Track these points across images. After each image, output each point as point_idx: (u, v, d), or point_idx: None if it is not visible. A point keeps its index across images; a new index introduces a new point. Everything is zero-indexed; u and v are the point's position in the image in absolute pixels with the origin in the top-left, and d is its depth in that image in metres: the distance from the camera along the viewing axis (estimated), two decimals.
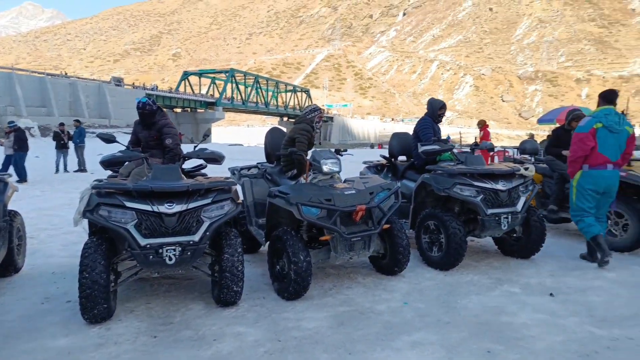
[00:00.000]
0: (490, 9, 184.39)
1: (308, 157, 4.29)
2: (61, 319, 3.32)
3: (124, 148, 4.60)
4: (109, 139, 4.01)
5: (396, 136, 6.01)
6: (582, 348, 2.84)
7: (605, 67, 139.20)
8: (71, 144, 15.22)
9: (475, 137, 12.97)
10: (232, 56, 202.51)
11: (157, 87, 63.58)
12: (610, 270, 4.38)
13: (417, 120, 5.66)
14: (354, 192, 3.84)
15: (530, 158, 7.10)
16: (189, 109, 62.25)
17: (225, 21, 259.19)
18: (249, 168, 5.35)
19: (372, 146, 59.46)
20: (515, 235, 4.77)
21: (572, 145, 4.56)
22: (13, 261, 4.23)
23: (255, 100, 72.93)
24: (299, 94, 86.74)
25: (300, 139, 4.65)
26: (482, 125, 12.79)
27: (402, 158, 5.97)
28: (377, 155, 6.57)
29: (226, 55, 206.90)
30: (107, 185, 3.35)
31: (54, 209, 7.90)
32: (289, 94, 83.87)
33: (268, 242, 4.05)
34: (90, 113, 43.38)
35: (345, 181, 4.22)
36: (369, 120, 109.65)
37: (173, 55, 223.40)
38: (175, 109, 59.40)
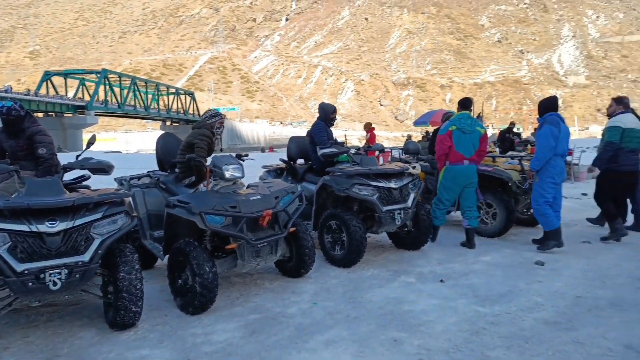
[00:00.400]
0: (366, 19, 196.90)
1: (208, 164, 4.14)
2: None
3: None
4: None
5: (294, 140, 6.09)
6: (472, 326, 3.19)
7: (463, 75, 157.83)
8: None
9: (364, 139, 13.66)
10: (104, 56, 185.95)
11: (11, 88, 55.58)
12: (485, 254, 4.99)
13: (303, 123, 5.83)
14: (259, 197, 3.80)
15: (412, 158, 7.75)
16: (53, 114, 55.70)
17: (94, 17, 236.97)
18: (139, 177, 4.96)
19: (262, 150, 59.37)
20: (406, 229, 5.17)
21: (436, 146, 5.34)
22: None
23: (133, 103, 67.93)
24: (182, 97, 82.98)
25: (199, 145, 4.46)
26: (369, 128, 13.53)
27: (300, 161, 6.07)
28: (273, 159, 6.60)
29: (96, 55, 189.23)
30: None
31: None
32: (171, 96, 79.75)
33: (167, 256, 3.82)
34: None
35: (248, 187, 4.16)
36: (258, 124, 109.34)
37: (30, 52, 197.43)
38: (37, 114, 52.63)
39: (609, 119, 5.70)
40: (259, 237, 3.70)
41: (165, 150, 4.89)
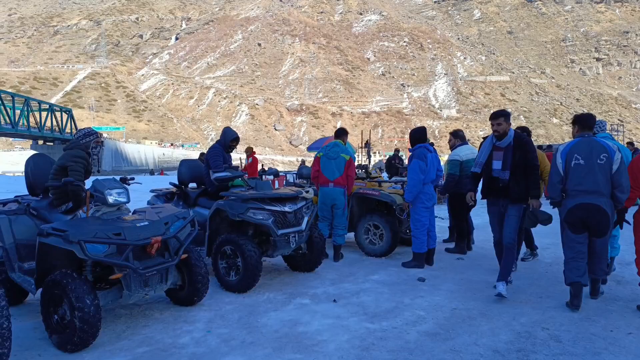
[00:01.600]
0: (259, 44, 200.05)
1: (87, 188, 3.84)
2: None
3: None
4: None
5: (185, 163, 5.92)
6: (362, 342, 3.38)
7: (352, 104, 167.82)
8: None
9: (243, 163, 13.28)
10: None
11: None
12: (374, 273, 5.33)
13: (195, 145, 5.74)
14: (146, 223, 3.62)
15: (306, 182, 8.00)
16: None
17: None
18: (4, 203, 4.40)
19: (152, 172, 55.89)
20: (301, 251, 5.30)
21: (354, 173, 6.10)
22: None
23: None
24: (57, 113, 75.02)
25: (74, 167, 4.13)
26: (250, 152, 13.37)
27: (192, 185, 5.91)
28: (164, 183, 6.32)
29: None
30: None
31: None
32: (44, 113, 71.56)
33: (40, 290, 3.42)
34: None
35: (134, 212, 3.94)
36: (147, 145, 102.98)
37: None
38: None
39: (450, 151, 6.65)
40: (147, 265, 3.51)
41: (36, 173, 4.43)
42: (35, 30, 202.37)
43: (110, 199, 3.65)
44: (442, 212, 8.83)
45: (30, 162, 4.56)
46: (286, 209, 4.85)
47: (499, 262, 4.57)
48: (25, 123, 66.14)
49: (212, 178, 5.13)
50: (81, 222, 3.51)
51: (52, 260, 3.50)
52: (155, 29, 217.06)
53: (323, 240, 5.37)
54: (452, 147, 6.60)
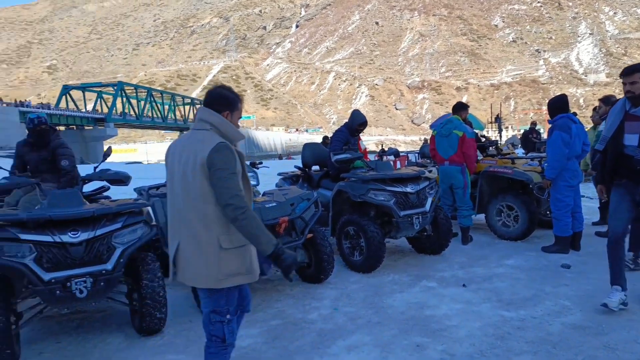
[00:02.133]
0: (377, 23, 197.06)
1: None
2: None
3: (7, 174, 4.09)
4: None
5: (308, 147, 6.10)
6: (497, 331, 3.13)
7: (479, 77, 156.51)
8: None
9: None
10: (119, 68, 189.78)
11: (30, 103, 57.12)
12: (508, 257, 4.90)
13: (318, 129, 5.83)
14: (275, 204, 3.82)
15: (429, 161, 7.68)
16: (74, 127, 56.97)
17: (107, 30, 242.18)
18: (157, 187, 5.03)
19: (280, 157, 59.59)
20: (426, 233, 5.12)
21: (474, 150, 5.63)
22: None
23: (150, 114, 69.07)
24: (198, 106, 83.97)
25: None
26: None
27: (315, 168, 6.08)
28: (290, 167, 6.62)
29: (112, 67, 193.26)
30: None
31: None
32: (187, 107, 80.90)
33: None
34: None
35: (264, 194, 4.18)
36: (275, 132, 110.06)
37: (48, 67, 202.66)
38: (59, 127, 53.93)
39: (600, 121, 5.66)
40: None
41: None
42: (175, 32, 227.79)
43: None
44: (590, 191, 7.76)
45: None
46: (408, 189, 4.70)
47: (612, 265, 3.41)
48: (173, 116, 75.52)
49: (333, 160, 5.19)
50: None
51: None
52: (277, 19, 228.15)
53: (449, 221, 5.10)
54: (602, 116, 5.67)
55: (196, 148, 2.10)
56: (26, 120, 4.31)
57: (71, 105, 60.15)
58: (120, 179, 3.81)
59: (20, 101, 55.46)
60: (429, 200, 4.86)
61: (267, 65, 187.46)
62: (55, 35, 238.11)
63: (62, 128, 55.19)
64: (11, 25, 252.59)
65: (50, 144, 4.33)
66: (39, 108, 52.66)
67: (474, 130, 6.48)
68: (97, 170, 3.87)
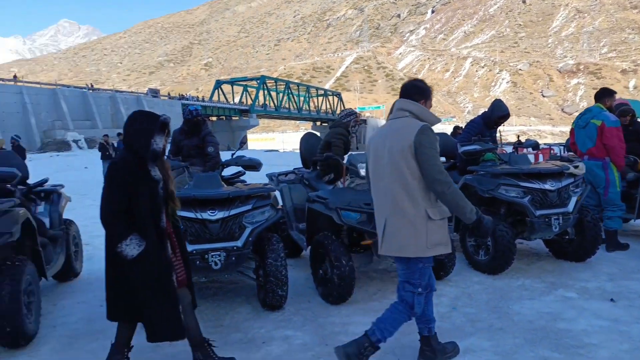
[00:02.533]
0: (524, 1, 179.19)
1: (344, 162, 4.26)
2: None
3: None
4: None
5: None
6: None
7: None
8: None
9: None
10: (262, 63, 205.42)
11: (191, 96, 65.25)
12: None
13: (451, 119, 5.50)
14: None
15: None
16: (224, 117, 63.57)
17: (253, 29, 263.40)
18: (286, 174, 5.37)
19: None
20: (567, 237, 4.55)
21: (618, 141, 4.79)
22: (71, 267, 4.42)
23: (287, 106, 73.62)
24: (330, 97, 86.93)
25: (336, 143, 4.63)
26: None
27: (441, 159, 5.82)
28: None
29: (256, 63, 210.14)
30: None
31: None
32: (320, 98, 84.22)
33: (310, 247, 4.04)
34: None
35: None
36: None
37: (205, 64, 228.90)
38: (211, 117, 60.81)
39: None
40: None
41: (307, 149, 5.18)
42: (312, 26, 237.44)
43: (362, 172, 3.95)
44: None
45: (303, 140, 5.39)
46: (547, 186, 4.22)
47: None
48: (307, 107, 79.28)
49: (460, 151, 4.91)
50: (339, 191, 3.95)
51: (318, 223, 4.07)
52: (412, 5, 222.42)
53: (598, 225, 4.45)
54: None
55: (400, 133, 2.41)
56: (184, 111, 4.94)
57: (222, 98, 67.24)
58: (253, 165, 4.15)
59: (182, 95, 63.85)
60: (573, 199, 4.30)
61: (400, 54, 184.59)
62: (211, 36, 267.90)
63: (214, 118, 62.10)
64: (177, 28, 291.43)
65: (201, 132, 4.91)
66: (196, 101, 59.94)
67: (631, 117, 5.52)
68: (234, 156, 4.27)
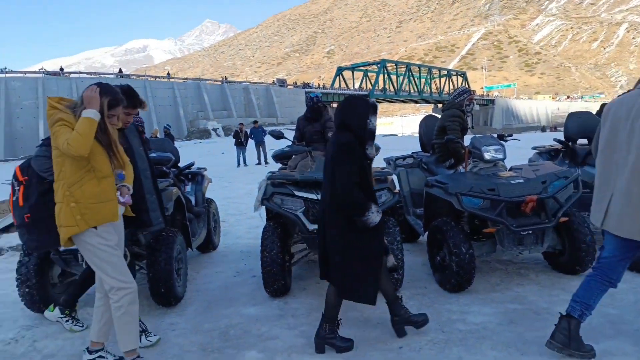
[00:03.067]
0: None
1: (467, 145, 4.07)
2: (249, 290, 3.84)
3: (290, 143, 5.05)
4: (278, 136, 4.45)
5: (574, 116, 5.26)
6: None
7: None
8: (250, 141, 17.26)
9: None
10: (383, 47, 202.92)
11: (314, 84, 67.63)
12: None
13: (599, 95, 4.84)
14: (521, 181, 3.51)
15: None
16: None
17: (375, 12, 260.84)
18: (404, 158, 5.33)
19: (543, 129, 53.02)
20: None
21: None
22: (211, 240, 5.05)
23: (407, 89, 72.02)
24: (454, 77, 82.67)
25: (451, 127, 4.43)
26: None
27: (582, 141, 5.21)
28: (547, 140, 5.88)
29: (377, 47, 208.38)
30: (279, 176, 3.72)
31: (238, 198, 9.08)
32: (443, 79, 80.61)
33: (427, 233, 3.99)
34: (261, 113, 48.57)
35: (511, 169, 3.89)
36: (539, 100, 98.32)
37: (327, 52, 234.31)
38: (332, 104, 62.46)
39: None
40: (521, 223, 3.42)
41: (427, 133, 5.07)
42: (437, 3, 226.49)
43: (487, 156, 3.75)
44: None
45: (422, 123, 5.28)
46: None
47: None
48: (428, 89, 76.52)
49: None
50: (460, 176, 3.80)
51: (436, 209, 3.98)
52: None
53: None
54: None
55: None
56: (306, 99, 5.20)
57: (342, 85, 68.43)
58: None
59: (305, 83, 66.59)
60: None
61: (536, 25, 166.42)
62: (334, 24, 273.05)
63: (334, 105, 63.60)
64: (303, 19, 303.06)
65: (322, 118, 5.12)
66: (317, 88, 61.97)
67: None
68: None
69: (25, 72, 40.48)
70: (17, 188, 2.81)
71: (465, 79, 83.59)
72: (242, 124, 18.06)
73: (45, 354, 2.92)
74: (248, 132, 17.38)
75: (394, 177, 4.58)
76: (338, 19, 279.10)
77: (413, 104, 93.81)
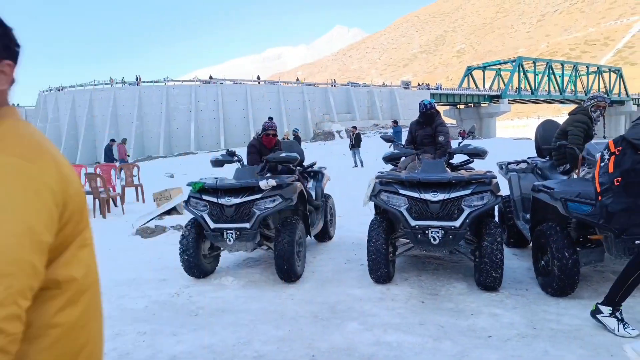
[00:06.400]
0: None
1: (582, 152, 4.02)
2: (356, 276, 4.36)
3: (400, 146, 5.44)
4: (388, 140, 4.89)
5: None
6: None
7: None
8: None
9: None
10: (520, 43, 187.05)
11: (441, 85, 65.68)
12: None
13: None
14: None
15: None
16: (472, 104, 61.75)
17: (513, 6, 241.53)
18: (517, 162, 5.32)
19: None
20: None
21: None
22: (327, 231, 5.72)
23: (547, 88, 65.68)
24: (605, 75, 72.82)
25: (574, 132, 4.36)
26: None
27: None
28: None
29: (514, 44, 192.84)
30: (386, 175, 4.17)
31: (354, 196, 9.67)
32: (591, 76, 71.60)
33: (532, 237, 4.04)
34: (384, 115, 49.01)
35: None
36: None
37: (457, 52, 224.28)
38: (459, 105, 60.09)
39: None
40: (634, 232, 3.33)
41: (543, 137, 5.01)
42: None
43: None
44: None
45: (539, 128, 5.21)
46: None
47: None
48: (572, 88, 68.60)
49: None
50: (569, 182, 3.81)
51: (543, 214, 4.02)
52: None
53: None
54: None
55: None
56: (420, 105, 5.51)
57: (472, 84, 65.26)
58: (478, 153, 4.39)
59: (429, 85, 65.01)
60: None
61: None
62: (466, 21, 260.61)
63: (461, 106, 61.03)
64: (433, 19, 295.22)
65: (434, 123, 5.39)
66: (439, 89, 60.04)
67: None
68: (460, 145, 4.61)
69: (182, 81, 47.21)
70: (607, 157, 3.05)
71: (620, 75, 73.08)
72: (354, 127, 18.96)
73: (198, 306, 3.79)
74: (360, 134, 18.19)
75: (504, 181, 4.67)
76: (470, 16, 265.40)
77: (554, 105, 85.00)
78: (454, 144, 5.08)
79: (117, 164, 17.67)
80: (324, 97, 48.22)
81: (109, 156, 17.09)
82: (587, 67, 73.82)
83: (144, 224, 6.81)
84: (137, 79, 44.22)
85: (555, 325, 3.09)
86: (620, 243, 3.40)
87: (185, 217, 6.94)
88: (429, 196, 3.80)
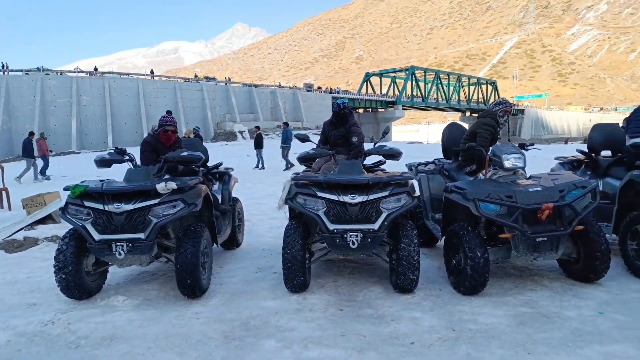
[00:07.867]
0: None
1: (488, 153, 4.17)
2: (269, 285, 4.04)
3: (315, 146, 5.25)
4: (303, 139, 4.65)
5: (598, 128, 5.29)
6: None
7: None
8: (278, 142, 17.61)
9: None
10: (412, 53, 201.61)
11: (340, 89, 67.79)
12: None
13: (633, 108, 4.83)
14: (539, 189, 3.60)
15: None
16: (370, 109, 64.68)
17: (406, 18, 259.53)
18: (425, 164, 5.45)
19: (565, 142, 52.05)
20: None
21: None
22: (235, 238, 5.29)
23: (435, 96, 71.39)
24: (483, 86, 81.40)
25: (482, 134, 4.54)
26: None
27: (605, 153, 5.22)
28: (570, 151, 5.90)
29: (407, 53, 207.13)
30: (303, 177, 3.92)
31: (261, 199, 9.34)
32: (472, 87, 79.49)
33: (444, 237, 4.11)
34: (287, 117, 49.01)
35: (530, 178, 3.98)
36: (570, 111, 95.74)
37: (356, 58, 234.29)
38: (358, 110, 62.46)
39: None
40: (536, 230, 3.51)
41: (449, 140, 5.18)
42: (470, 11, 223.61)
43: (507, 164, 3.86)
44: None
45: (446, 130, 5.39)
46: None
47: None
48: (457, 98, 75.59)
49: (628, 144, 4.37)
50: (479, 183, 3.92)
51: (454, 214, 4.10)
52: None
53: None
54: None
55: None
56: (333, 104, 5.37)
57: (370, 90, 68.37)
58: (393, 154, 4.36)
59: (332, 89, 66.80)
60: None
61: (572, 34, 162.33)
62: (364, 29, 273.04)
63: (360, 111, 63.60)
64: (333, 24, 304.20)
65: (347, 123, 5.28)
66: (344, 94, 62.16)
67: None
68: (376, 146, 4.55)
69: (62, 72, 41.85)
70: None
71: (495, 87, 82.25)
72: (257, 127, 18.65)
73: (79, 336, 3.15)
74: (262, 135, 17.89)
75: (415, 182, 4.71)
76: (368, 24, 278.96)
77: (440, 112, 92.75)
78: (368, 146, 5.02)
79: (38, 161, 15.06)
80: (225, 95, 46.82)
81: (27, 151, 14.58)
82: (469, 78, 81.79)
83: (9, 236, 5.75)
84: (3, 67, 38.14)
85: (472, 326, 3.10)
86: (525, 241, 3.56)
87: (64, 227, 6.00)
88: (347, 198, 3.64)
